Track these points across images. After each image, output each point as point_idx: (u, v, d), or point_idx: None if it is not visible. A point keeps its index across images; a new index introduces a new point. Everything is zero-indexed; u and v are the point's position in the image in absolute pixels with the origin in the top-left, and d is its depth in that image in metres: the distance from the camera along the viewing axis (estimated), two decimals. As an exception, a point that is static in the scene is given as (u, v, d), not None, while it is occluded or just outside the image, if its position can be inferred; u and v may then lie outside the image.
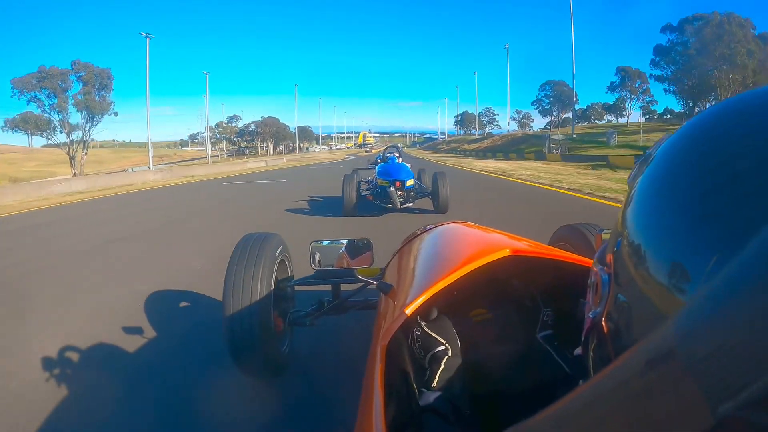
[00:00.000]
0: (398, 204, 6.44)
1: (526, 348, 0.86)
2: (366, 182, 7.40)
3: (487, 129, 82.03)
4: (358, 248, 1.78)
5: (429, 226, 1.56)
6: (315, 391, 1.86)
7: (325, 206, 7.91)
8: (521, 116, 77.77)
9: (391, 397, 0.65)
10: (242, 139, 76.07)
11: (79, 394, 1.96)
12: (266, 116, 78.35)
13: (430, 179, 7.20)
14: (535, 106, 65.61)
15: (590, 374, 0.42)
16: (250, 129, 76.94)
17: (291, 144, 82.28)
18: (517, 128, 71.59)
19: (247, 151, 73.41)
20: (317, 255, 1.77)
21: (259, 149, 75.19)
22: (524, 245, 1.00)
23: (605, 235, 0.77)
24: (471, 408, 0.77)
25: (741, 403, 0.16)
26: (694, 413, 0.18)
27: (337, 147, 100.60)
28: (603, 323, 0.39)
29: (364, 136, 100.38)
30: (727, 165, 0.29)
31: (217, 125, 72.91)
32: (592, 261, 0.46)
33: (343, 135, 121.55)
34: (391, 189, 6.39)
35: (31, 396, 1.95)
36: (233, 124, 76.99)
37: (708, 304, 0.20)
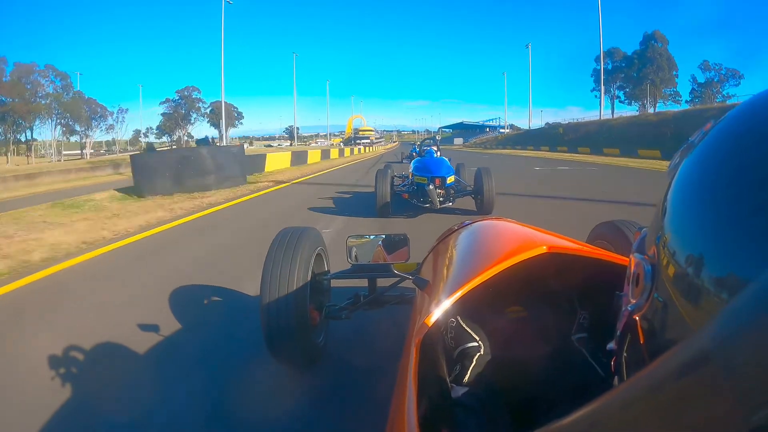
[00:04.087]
0: (437, 204, 5.69)
1: (561, 349, 0.85)
2: (399, 178, 6.68)
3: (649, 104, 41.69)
4: (395, 243, 1.80)
5: (466, 222, 1.56)
6: (349, 382, 1.91)
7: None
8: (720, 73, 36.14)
9: (424, 391, 0.66)
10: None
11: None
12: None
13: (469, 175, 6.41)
14: None
15: (623, 370, 0.41)
16: None
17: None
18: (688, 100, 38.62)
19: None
20: (354, 250, 1.81)
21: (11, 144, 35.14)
22: (562, 242, 0.97)
23: None
24: (502, 405, 0.77)
25: None
26: (728, 420, 0.17)
27: (321, 142, 66.73)
28: (642, 318, 0.37)
29: (355, 128, 59.79)
30: None
31: None
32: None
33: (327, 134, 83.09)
34: (430, 187, 5.66)
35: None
36: None
37: (747, 308, 0.19)
